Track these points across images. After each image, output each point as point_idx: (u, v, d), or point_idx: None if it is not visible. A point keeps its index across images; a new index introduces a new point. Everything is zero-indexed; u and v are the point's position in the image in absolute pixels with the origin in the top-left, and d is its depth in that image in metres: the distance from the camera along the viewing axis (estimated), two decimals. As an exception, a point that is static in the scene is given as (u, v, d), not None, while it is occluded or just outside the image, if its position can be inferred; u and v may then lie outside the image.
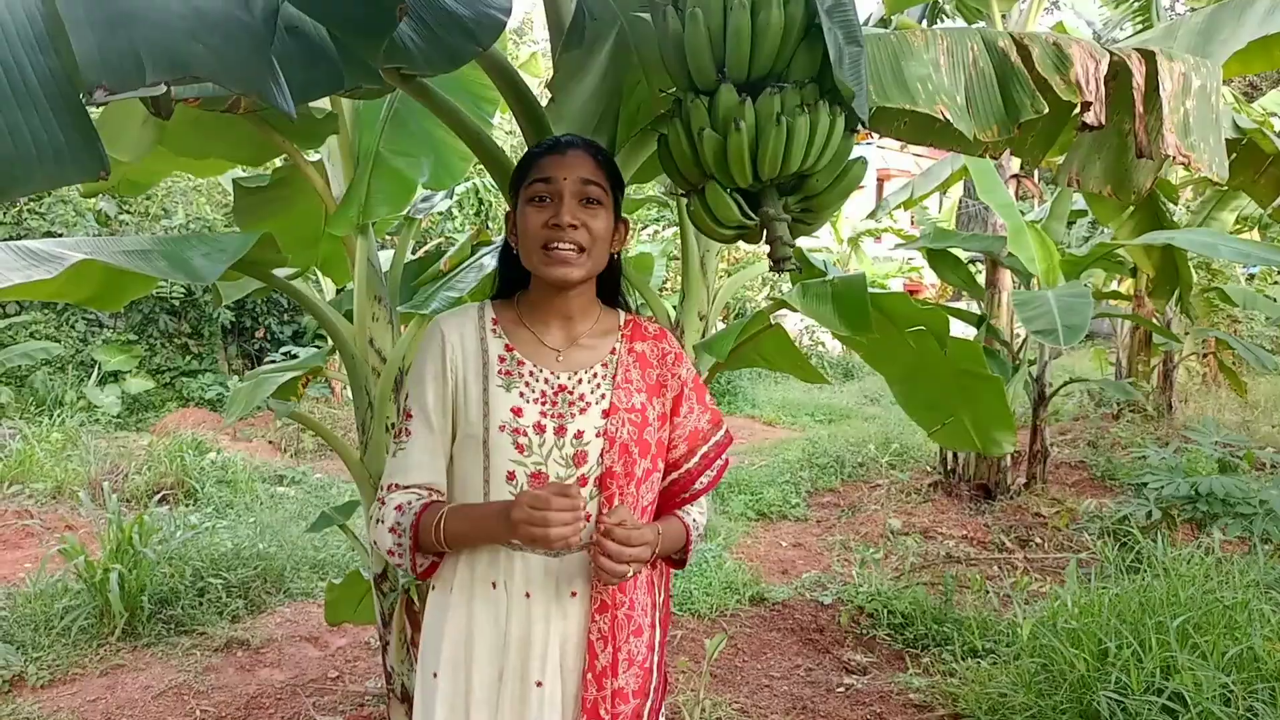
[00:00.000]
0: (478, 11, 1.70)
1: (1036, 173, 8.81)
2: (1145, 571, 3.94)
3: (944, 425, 3.56)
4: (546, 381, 1.57)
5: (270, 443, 9.49)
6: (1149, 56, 2.25)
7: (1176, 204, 8.41)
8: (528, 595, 1.54)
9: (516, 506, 1.38)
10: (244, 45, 1.10)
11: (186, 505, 6.86)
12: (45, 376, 10.33)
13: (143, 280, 2.33)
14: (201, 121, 2.59)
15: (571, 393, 1.57)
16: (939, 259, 7.04)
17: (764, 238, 1.57)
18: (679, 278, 13.99)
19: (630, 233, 1.72)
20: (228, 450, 8.26)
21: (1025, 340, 6.82)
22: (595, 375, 1.60)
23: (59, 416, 9.32)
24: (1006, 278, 6.89)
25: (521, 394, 1.55)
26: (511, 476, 1.53)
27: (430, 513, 1.52)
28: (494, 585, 1.55)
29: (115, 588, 4.36)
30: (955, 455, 6.94)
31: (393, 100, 3.02)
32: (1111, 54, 2.21)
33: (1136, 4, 8.66)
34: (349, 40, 1.40)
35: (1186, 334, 10.33)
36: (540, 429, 1.54)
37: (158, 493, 7.00)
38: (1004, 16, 6.98)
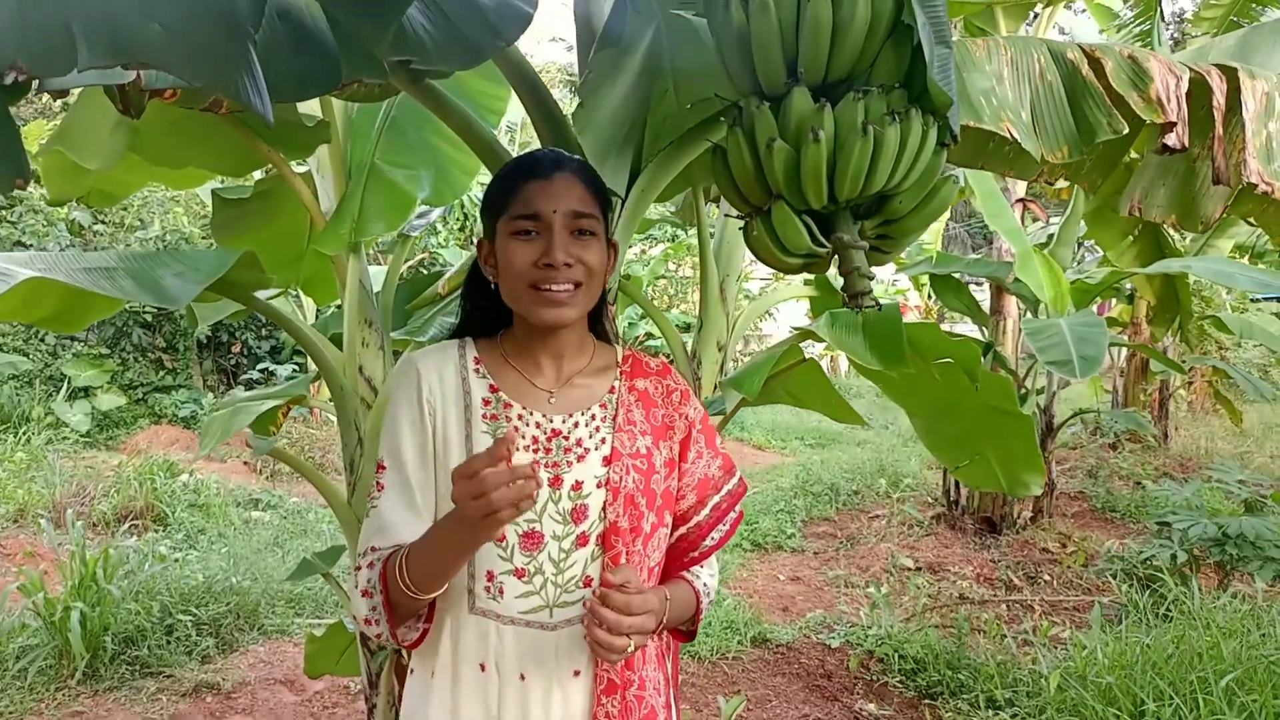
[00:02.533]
0: (500, 2, 1.46)
1: (1037, 195, 8.68)
2: (1178, 620, 3.72)
3: (969, 463, 3.36)
4: (538, 426, 1.37)
5: (245, 464, 9.15)
6: (1230, 73, 2.05)
7: (1178, 231, 8.28)
8: (522, 677, 1.32)
9: (454, 488, 1.14)
10: (214, 28, 0.86)
11: (156, 531, 6.53)
12: (12, 391, 9.94)
13: (107, 300, 2.07)
14: (179, 126, 2.34)
15: (567, 438, 1.37)
16: (941, 283, 6.86)
17: (839, 269, 1.34)
18: (667, 299, 13.70)
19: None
20: (201, 472, 7.93)
21: (1031, 368, 6.64)
22: (593, 418, 1.39)
23: (24, 434, 8.94)
24: (1012, 304, 6.72)
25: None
26: (501, 537, 1.31)
27: (393, 559, 1.29)
28: (483, 667, 1.33)
29: (76, 627, 4.05)
30: (958, 486, 6.73)
31: (389, 107, 2.78)
32: (1190, 69, 2.01)
33: (1138, 29, 8.57)
34: (352, 24, 1.16)
35: (1184, 361, 10.21)
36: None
37: (126, 517, 6.68)
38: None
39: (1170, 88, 1.92)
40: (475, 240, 1.43)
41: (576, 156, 1.43)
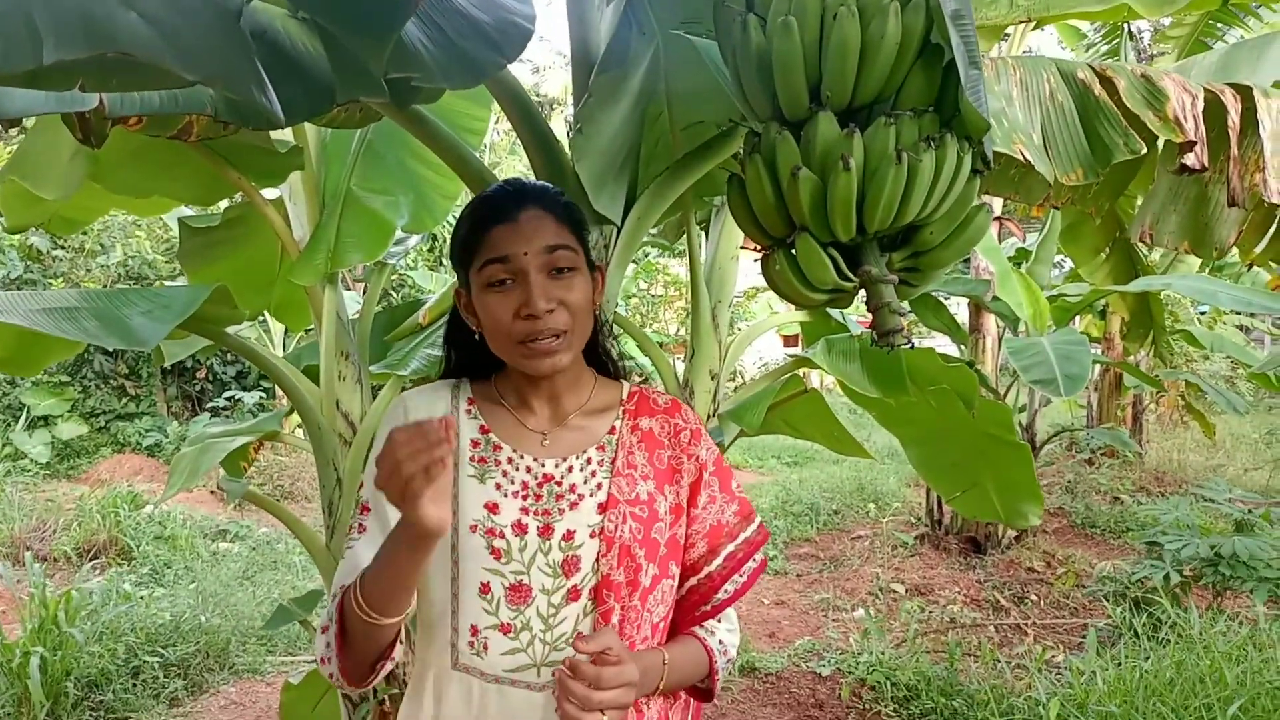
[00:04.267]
0: (500, 19, 1.36)
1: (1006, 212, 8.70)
2: (1175, 643, 3.66)
3: (964, 492, 3.29)
4: (529, 470, 1.27)
5: (212, 493, 8.91)
6: (1244, 92, 1.99)
7: (1151, 248, 8.33)
8: None
9: (376, 479, 1.06)
10: (204, 20, 0.75)
11: (121, 566, 6.31)
12: (-33, 422, 9.64)
13: (66, 341, 1.93)
14: (142, 154, 2.21)
15: (560, 484, 1.27)
16: (919, 301, 6.82)
17: (866, 304, 1.24)
18: (639, 317, 13.62)
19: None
20: (166, 503, 7.69)
21: (1012, 386, 6.61)
22: (589, 462, 1.29)
23: (-19, 466, 8.67)
24: (991, 322, 6.69)
25: (498, 486, 1.25)
26: (486, 589, 1.21)
27: (350, 586, 1.17)
28: None
29: (36, 673, 3.86)
30: (941, 505, 6.67)
31: (365, 132, 2.67)
32: (1204, 88, 1.95)
33: (1105, 46, 8.64)
34: (349, 37, 1.06)
35: (1156, 375, 10.28)
36: (521, 529, 1.23)
37: (89, 552, 6.45)
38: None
39: (1187, 106, 1.85)
40: (455, 292, 1.34)
41: (539, 184, 1.32)
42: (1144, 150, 1.84)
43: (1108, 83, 1.91)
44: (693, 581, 1.35)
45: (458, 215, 1.33)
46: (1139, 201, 4.13)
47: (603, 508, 1.26)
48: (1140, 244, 7.32)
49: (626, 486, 1.28)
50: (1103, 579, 5.20)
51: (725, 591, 1.36)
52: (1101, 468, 8.93)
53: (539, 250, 1.22)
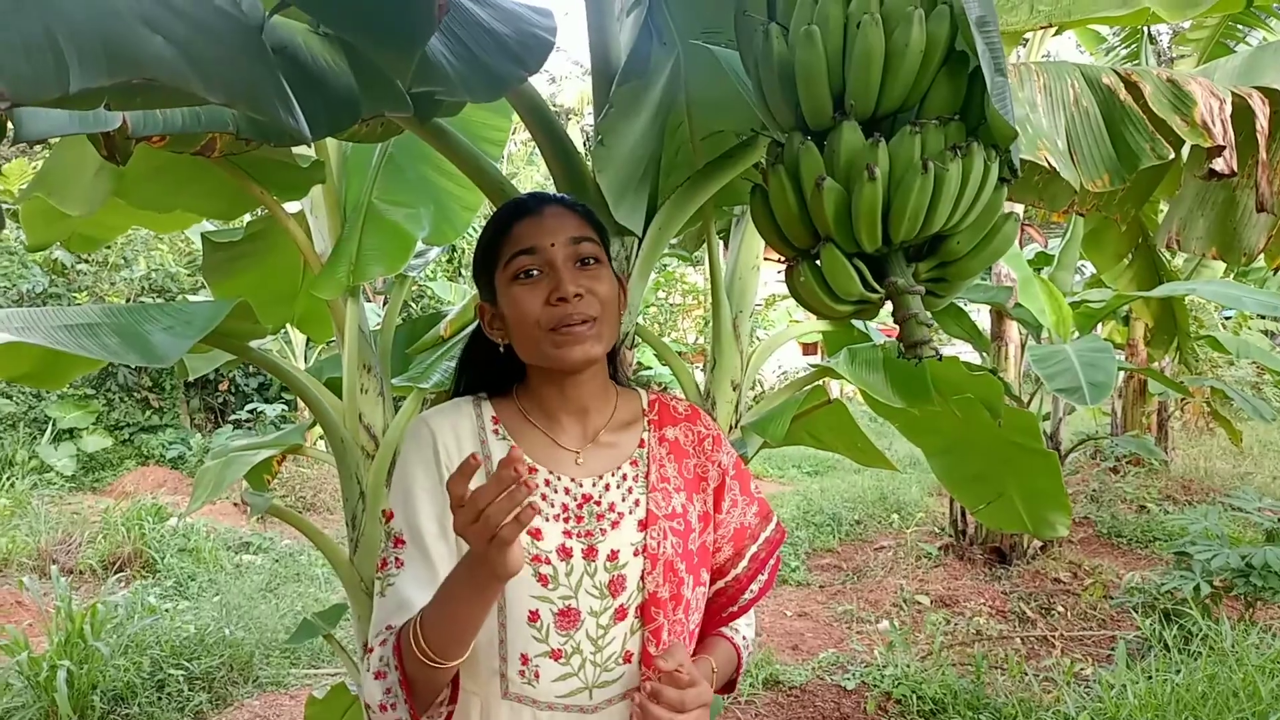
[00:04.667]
0: (521, 31, 1.36)
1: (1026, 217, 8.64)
2: (1207, 656, 3.60)
3: (990, 504, 3.24)
4: (567, 492, 1.25)
5: (235, 505, 8.96)
6: (1273, 96, 1.96)
7: (1175, 254, 8.24)
8: None
9: (454, 524, 1.03)
10: (227, 40, 0.75)
11: (145, 578, 6.35)
12: (-6, 435, 9.74)
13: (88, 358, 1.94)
14: (166, 170, 2.23)
15: (599, 503, 1.25)
16: (940, 310, 6.78)
17: (894, 316, 1.22)
18: (657, 326, 13.59)
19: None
20: (191, 516, 7.73)
21: (1035, 394, 6.55)
22: (624, 478, 1.28)
23: (8, 479, 8.74)
24: (1014, 329, 6.63)
25: (538, 510, 1.21)
26: (534, 617, 1.19)
27: (407, 629, 1.14)
28: None
29: (63, 687, 3.88)
30: (965, 515, 6.61)
31: (385, 146, 2.67)
32: (1232, 92, 1.92)
33: (1125, 50, 8.57)
34: (376, 53, 1.06)
35: (1182, 381, 10.17)
36: (566, 553, 1.21)
37: (114, 564, 6.50)
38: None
39: (1214, 111, 1.83)
40: (477, 308, 1.32)
41: (560, 194, 1.33)
42: (1171, 156, 1.81)
43: (1133, 87, 1.89)
44: (720, 584, 1.37)
45: (480, 231, 1.33)
46: (1162, 207, 4.08)
47: (643, 525, 1.26)
48: (1164, 249, 7.23)
49: (663, 501, 1.28)
50: (1131, 590, 5.13)
51: (751, 591, 1.39)
52: (1127, 476, 8.83)
53: (565, 241, 1.22)
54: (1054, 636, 4.98)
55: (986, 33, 1.17)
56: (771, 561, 1.41)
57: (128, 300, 10.49)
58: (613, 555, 1.23)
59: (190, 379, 11.21)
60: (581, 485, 1.26)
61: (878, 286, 1.23)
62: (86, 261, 10.55)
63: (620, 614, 1.22)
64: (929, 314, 1.23)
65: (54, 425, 10.06)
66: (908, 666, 4.49)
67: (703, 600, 1.33)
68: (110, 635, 4.33)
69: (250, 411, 10.64)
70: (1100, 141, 1.87)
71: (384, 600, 1.22)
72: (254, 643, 4.90)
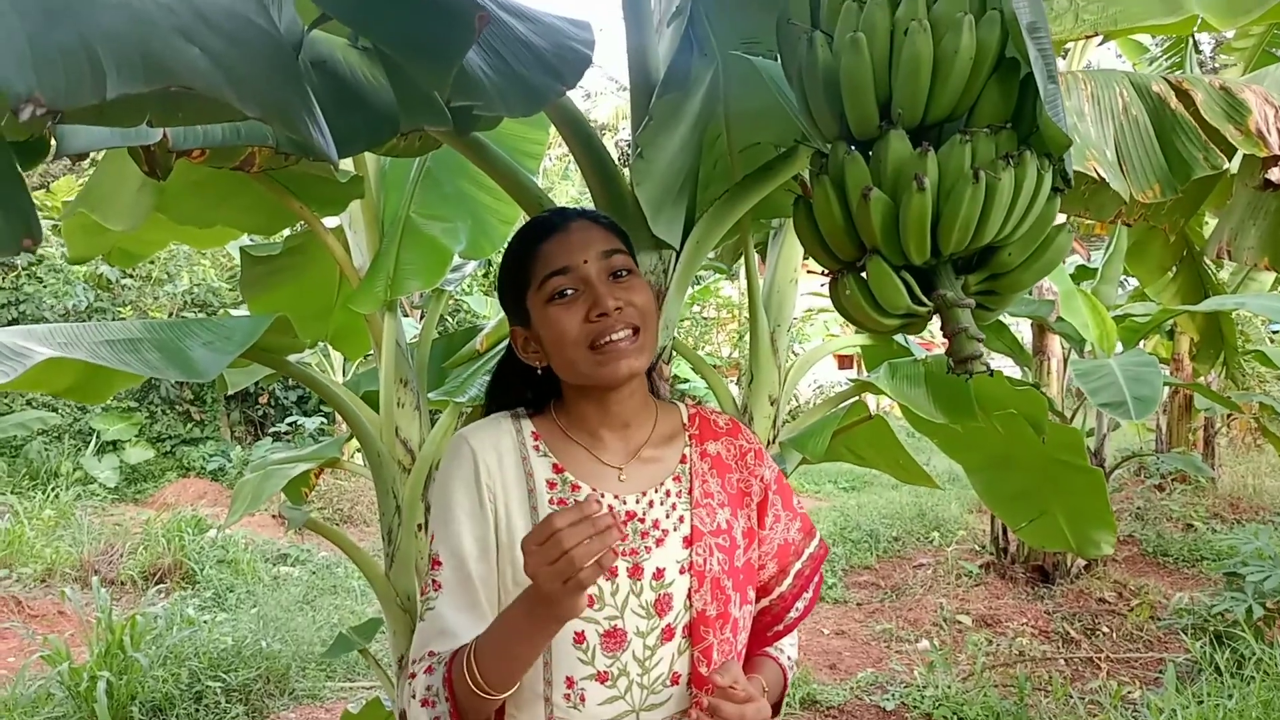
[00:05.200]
0: (559, 45, 1.34)
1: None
2: (1259, 681, 3.49)
3: (1032, 521, 3.17)
4: (611, 510, 1.20)
5: (274, 517, 9.03)
6: (1331, 102, 1.90)
7: (1221, 266, 8.07)
8: None
9: (526, 560, 1.00)
10: (261, 55, 0.74)
11: (185, 589, 6.41)
12: (41, 447, 9.91)
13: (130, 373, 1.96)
14: (205, 185, 2.24)
15: (644, 520, 1.22)
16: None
17: (942, 330, 1.19)
18: (691, 340, 13.54)
19: None
20: (228, 527, 7.81)
21: (1078, 410, 6.43)
22: (668, 494, 1.25)
23: (53, 490, 8.88)
24: (1056, 344, 6.52)
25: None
26: (580, 638, 1.16)
27: (459, 658, 1.12)
28: None
29: (103, 697, 3.92)
30: (1006, 532, 6.49)
31: (423, 160, 2.68)
32: (1288, 99, 1.87)
33: (1167, 61, 8.44)
34: (414, 65, 1.05)
35: (1229, 397, 9.95)
36: (612, 573, 1.18)
37: (154, 575, 6.57)
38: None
39: (1270, 119, 1.78)
40: (511, 333, 1.29)
41: (581, 208, 1.32)
42: (1225, 165, 1.77)
43: (1184, 96, 1.84)
44: (764, 602, 1.34)
45: (501, 262, 1.31)
46: (1208, 220, 3.98)
47: (688, 541, 1.23)
48: (1209, 261, 7.06)
49: (708, 517, 1.25)
50: (1179, 611, 5.00)
51: (796, 609, 1.36)
52: (1173, 494, 8.63)
53: (597, 255, 1.20)
54: (1099, 658, 4.86)
55: (1038, 38, 1.14)
56: (816, 578, 1.39)
57: (170, 315, 10.67)
58: (658, 573, 1.20)
59: (230, 392, 11.37)
60: (625, 502, 1.23)
61: (925, 300, 1.20)
62: (131, 276, 10.74)
63: (668, 634, 1.19)
64: (979, 328, 1.19)
65: (98, 437, 10.23)
66: (948, 687, 4.40)
67: (749, 619, 1.30)
68: (149, 646, 4.37)
69: (289, 424, 10.74)
70: (1151, 151, 1.82)
71: (425, 625, 1.19)
72: (290, 655, 4.92)
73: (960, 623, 5.68)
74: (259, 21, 0.81)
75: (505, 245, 1.33)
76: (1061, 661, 4.93)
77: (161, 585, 6.40)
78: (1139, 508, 8.32)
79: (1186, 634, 4.67)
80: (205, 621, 5.10)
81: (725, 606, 1.22)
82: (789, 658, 1.40)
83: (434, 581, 1.19)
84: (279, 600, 6.03)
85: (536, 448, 1.25)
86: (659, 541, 1.22)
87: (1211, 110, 1.80)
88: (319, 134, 0.78)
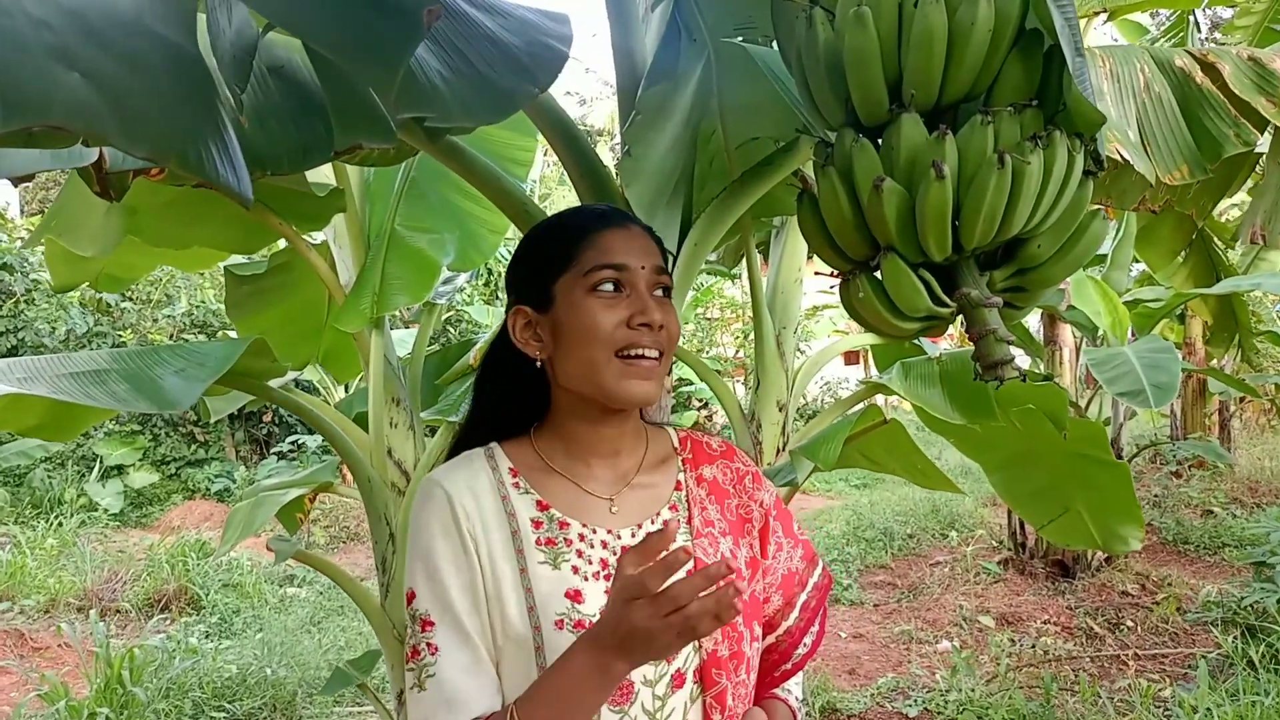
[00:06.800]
0: (532, 42, 1.23)
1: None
2: (1296, 675, 3.36)
3: (1056, 519, 3.06)
4: (604, 546, 1.10)
5: (280, 538, 8.93)
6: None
7: (1233, 247, 7.93)
8: None
9: (620, 618, 0.90)
10: (163, 76, 0.63)
11: (190, 615, 6.31)
12: (44, 474, 9.82)
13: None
14: (178, 204, 2.13)
15: None
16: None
17: (967, 333, 1.08)
18: (695, 343, 13.43)
19: None
20: (234, 550, 7.70)
21: (1092, 399, 6.30)
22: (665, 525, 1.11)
23: (56, 517, 8.79)
24: (1067, 333, 6.40)
25: (576, 569, 1.07)
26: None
27: None
28: None
29: (101, 734, 3.81)
30: (1024, 526, 6.36)
31: (408, 168, 2.57)
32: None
33: (1168, 43, 8.30)
34: (354, 67, 0.93)
35: (1244, 380, 9.82)
36: None
37: (158, 602, 6.46)
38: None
39: (1304, 91, 1.66)
40: (513, 311, 1.14)
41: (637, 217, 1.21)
42: (1258, 141, 1.65)
43: (1210, 69, 1.73)
44: (770, 639, 1.23)
45: (539, 231, 1.19)
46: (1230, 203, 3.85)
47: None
48: (1218, 242, 6.89)
49: (710, 548, 1.13)
50: (1207, 604, 4.86)
51: (804, 645, 1.25)
52: (1190, 480, 8.50)
53: (653, 268, 1.11)
54: (1126, 655, 4.73)
55: (1063, 6, 1.03)
56: (821, 611, 1.27)
57: (171, 337, 10.58)
58: None
59: (234, 410, 11.24)
60: (619, 536, 1.11)
61: (947, 300, 1.09)
62: (130, 300, 10.65)
63: (678, 680, 1.07)
64: (1008, 332, 1.08)
65: (101, 463, 10.14)
66: (972, 691, 4.28)
67: (758, 658, 1.18)
68: (152, 678, 4.27)
69: (293, 444, 10.65)
70: (1177, 129, 1.70)
71: (425, 695, 1.05)
72: (296, 681, 4.81)
73: (980, 622, 5.56)
74: (164, 32, 0.69)
75: (543, 222, 1.20)
76: (1087, 659, 4.80)
77: (166, 612, 6.29)
78: (1157, 495, 8.18)
79: (1216, 627, 4.53)
80: (210, 649, 5.00)
81: (738, 645, 1.11)
82: (796, 698, 1.27)
83: (429, 645, 1.06)
84: (285, 624, 5.92)
85: (516, 484, 1.12)
86: None
87: (1240, 83, 1.68)
88: (228, 168, 0.66)
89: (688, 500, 1.16)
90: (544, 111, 1.49)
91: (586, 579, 1.07)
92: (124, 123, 0.61)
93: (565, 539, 1.09)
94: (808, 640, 1.25)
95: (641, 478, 1.16)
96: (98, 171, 1.41)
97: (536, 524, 1.09)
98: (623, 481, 1.15)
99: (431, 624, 1.06)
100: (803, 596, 1.24)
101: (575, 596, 1.06)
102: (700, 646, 1.08)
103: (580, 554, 1.09)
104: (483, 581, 1.07)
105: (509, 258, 1.19)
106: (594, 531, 1.10)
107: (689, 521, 1.15)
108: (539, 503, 1.11)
